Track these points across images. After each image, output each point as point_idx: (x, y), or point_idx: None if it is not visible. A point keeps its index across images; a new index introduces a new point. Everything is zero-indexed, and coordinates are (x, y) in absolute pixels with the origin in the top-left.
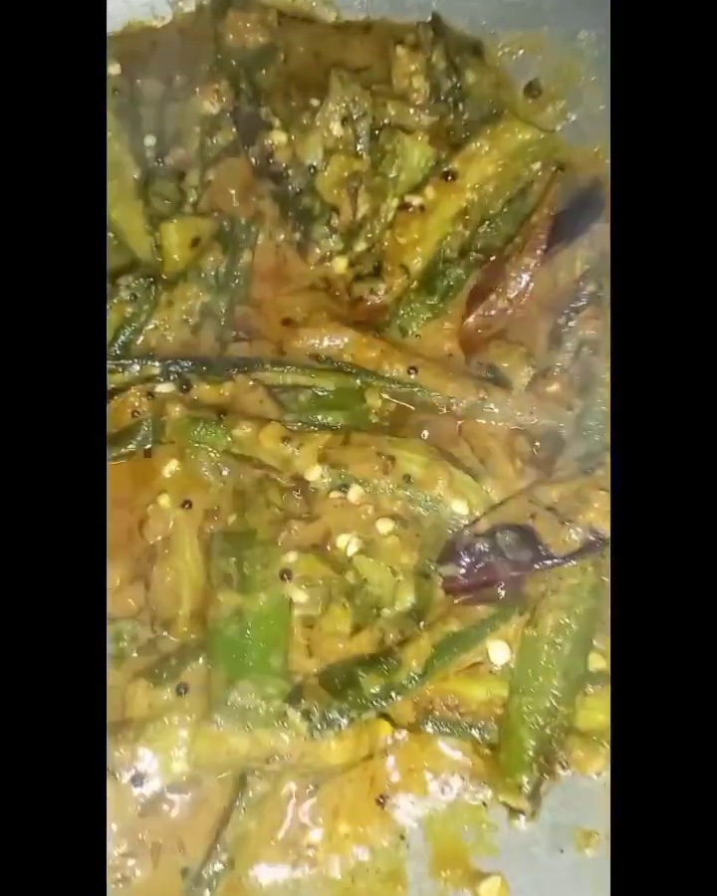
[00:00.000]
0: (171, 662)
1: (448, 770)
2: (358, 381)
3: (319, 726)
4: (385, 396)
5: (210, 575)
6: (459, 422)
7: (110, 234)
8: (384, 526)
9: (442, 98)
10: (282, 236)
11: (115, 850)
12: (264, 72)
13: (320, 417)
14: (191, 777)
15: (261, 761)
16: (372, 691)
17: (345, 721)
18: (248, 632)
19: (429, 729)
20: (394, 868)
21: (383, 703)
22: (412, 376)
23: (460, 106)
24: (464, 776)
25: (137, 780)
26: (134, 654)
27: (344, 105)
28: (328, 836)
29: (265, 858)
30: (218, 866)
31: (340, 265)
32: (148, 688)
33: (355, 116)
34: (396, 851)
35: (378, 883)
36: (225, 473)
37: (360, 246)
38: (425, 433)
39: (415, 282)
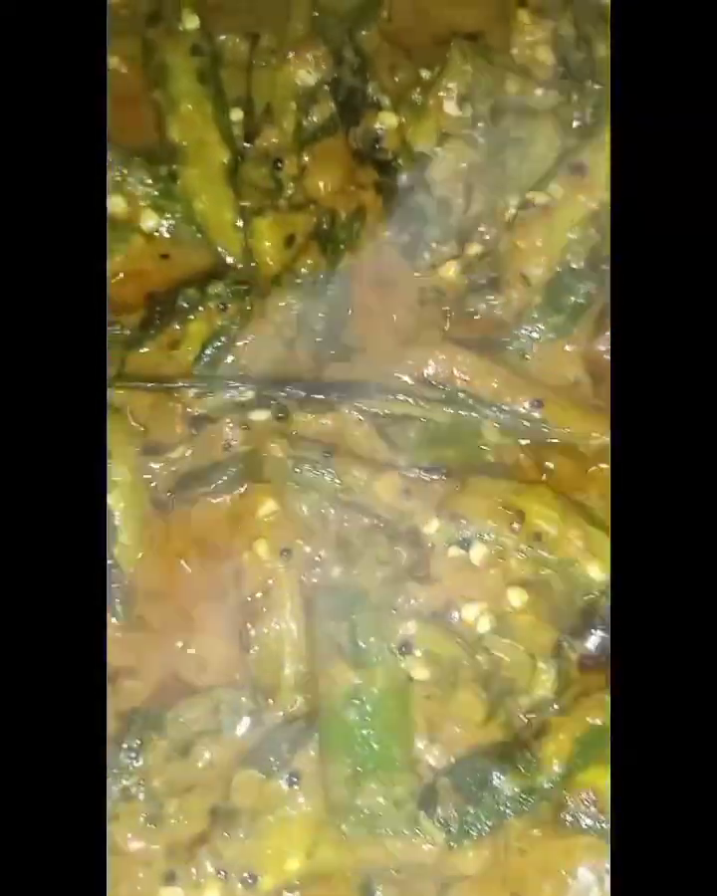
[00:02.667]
0: (281, 747)
1: (586, 867)
2: (475, 415)
3: (456, 837)
4: (504, 432)
5: (316, 639)
6: (591, 468)
7: (193, 228)
8: (516, 597)
9: (570, 74)
10: (387, 236)
11: None
12: (364, 33)
13: (431, 455)
14: (306, 880)
15: (389, 869)
16: (509, 795)
17: (482, 828)
18: (368, 718)
19: (566, 825)
20: None
21: (522, 807)
22: (536, 412)
23: (590, 84)
24: (602, 877)
25: (250, 878)
26: (237, 732)
27: (462, 79)
28: None
29: None
30: None
31: (450, 271)
32: (259, 780)
33: (474, 95)
34: None
35: None
36: (331, 518)
37: (475, 249)
38: (550, 477)
39: (538, 297)
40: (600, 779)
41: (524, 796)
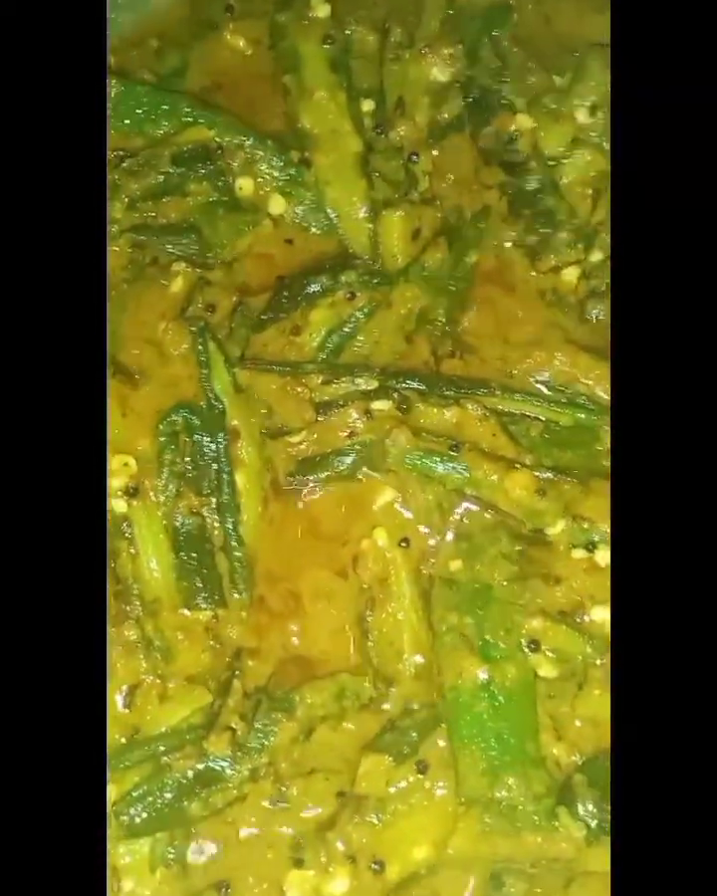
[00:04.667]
0: (409, 735)
1: None
2: (597, 419)
3: (595, 833)
4: None
5: (436, 631)
6: None
7: (322, 216)
8: None
9: None
10: (512, 236)
11: None
12: (495, 34)
13: (553, 457)
14: (435, 867)
15: (524, 863)
16: None
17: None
18: (499, 711)
19: None
20: None
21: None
22: None
23: None
24: None
25: (377, 864)
26: (349, 725)
27: (594, 87)
28: None
29: None
30: None
31: (571, 276)
32: (389, 767)
33: (606, 104)
34: None
35: None
36: (449, 512)
37: (596, 256)
38: None
39: None
40: None
41: None
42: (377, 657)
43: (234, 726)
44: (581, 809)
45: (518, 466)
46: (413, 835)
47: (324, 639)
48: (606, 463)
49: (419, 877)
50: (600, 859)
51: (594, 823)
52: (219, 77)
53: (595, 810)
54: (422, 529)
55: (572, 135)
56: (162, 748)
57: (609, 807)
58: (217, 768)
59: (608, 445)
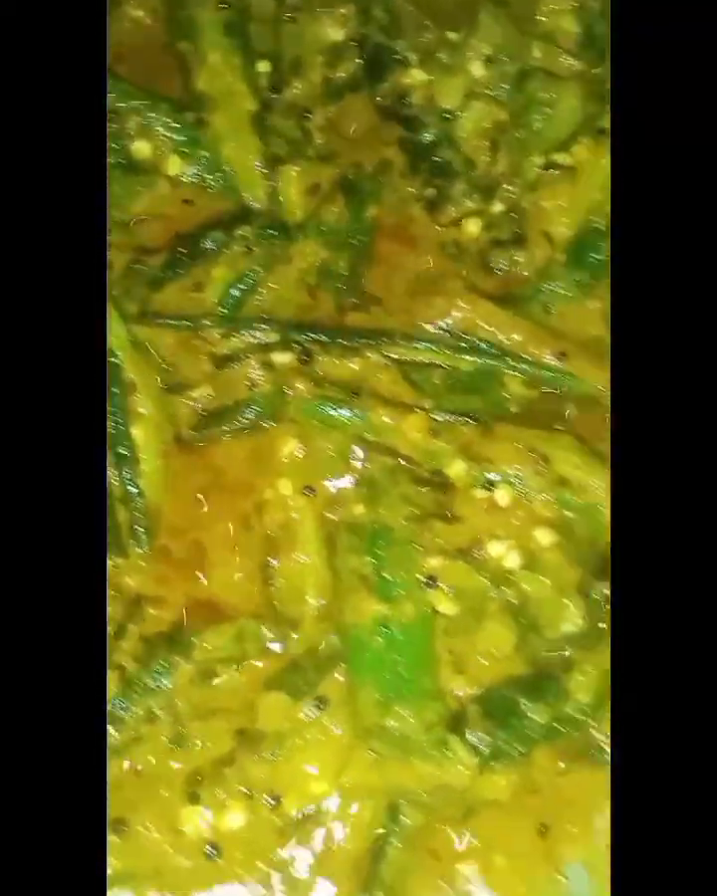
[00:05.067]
0: (308, 672)
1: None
2: (499, 365)
3: (486, 759)
4: (527, 382)
5: (339, 574)
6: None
7: (218, 174)
8: (545, 536)
9: (594, 42)
10: (410, 191)
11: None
12: None
13: (455, 402)
14: (333, 800)
15: (417, 792)
16: (538, 722)
17: (515, 753)
18: (395, 646)
19: (596, 758)
20: None
21: (550, 735)
22: (560, 361)
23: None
24: None
25: (274, 799)
26: (258, 662)
27: (489, 41)
28: (483, 870)
29: (417, 892)
30: None
31: (473, 227)
32: (287, 703)
33: (500, 57)
34: (555, 887)
35: None
36: (351, 461)
37: (498, 208)
38: (572, 427)
39: (561, 254)
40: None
41: (553, 725)
42: (280, 601)
43: (125, 664)
44: (471, 737)
45: (416, 409)
46: (310, 770)
47: (227, 586)
48: (512, 407)
49: (316, 811)
50: (495, 788)
51: (486, 751)
52: (119, 48)
53: (487, 738)
54: (326, 476)
55: (466, 89)
56: None
57: (504, 736)
58: (112, 708)
59: (513, 390)
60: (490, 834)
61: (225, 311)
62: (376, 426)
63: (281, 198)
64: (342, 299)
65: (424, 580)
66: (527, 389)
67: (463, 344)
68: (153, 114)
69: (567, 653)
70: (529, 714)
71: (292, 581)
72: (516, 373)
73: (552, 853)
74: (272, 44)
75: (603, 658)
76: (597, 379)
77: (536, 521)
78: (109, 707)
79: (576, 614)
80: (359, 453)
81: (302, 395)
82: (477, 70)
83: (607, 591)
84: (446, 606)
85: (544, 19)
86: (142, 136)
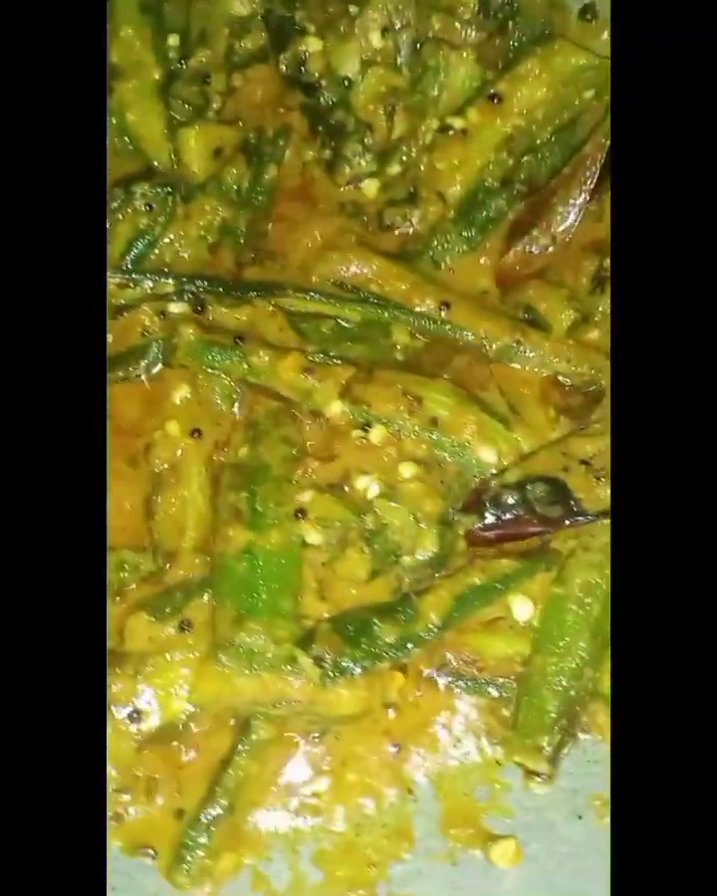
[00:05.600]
0: (175, 596)
1: (462, 726)
2: (385, 314)
3: (331, 673)
4: (413, 332)
5: (218, 509)
6: (491, 365)
7: (124, 138)
8: (408, 469)
9: (491, 14)
10: (310, 153)
11: (108, 786)
12: None
13: (342, 350)
14: (191, 716)
15: (267, 705)
16: (388, 641)
17: (357, 669)
18: (259, 571)
19: (444, 683)
20: (401, 824)
21: (398, 653)
22: (444, 313)
23: (510, 24)
24: (478, 733)
25: (135, 716)
26: (133, 586)
27: (385, 13)
28: (333, 786)
29: (266, 805)
30: (217, 810)
31: (371, 188)
32: (150, 622)
33: (397, 27)
34: (404, 806)
35: (384, 837)
36: (238, 403)
37: (394, 169)
38: (454, 375)
39: (452, 211)
40: (483, 642)
41: (402, 643)
42: (160, 535)
43: None
44: (316, 650)
45: (292, 351)
46: (172, 688)
47: (111, 519)
48: (398, 356)
49: (175, 727)
50: (343, 703)
51: (330, 666)
52: None
53: (332, 654)
54: (214, 418)
55: (360, 54)
56: None
57: (350, 652)
58: None
59: (397, 339)
60: (343, 752)
61: (126, 265)
62: (257, 368)
63: (183, 159)
64: (240, 255)
65: (295, 512)
66: (411, 339)
67: (351, 296)
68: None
69: (421, 577)
70: (379, 633)
71: (173, 517)
72: (404, 324)
73: (402, 772)
74: (183, 20)
75: (458, 584)
76: (480, 329)
77: (404, 457)
78: None
79: (432, 541)
80: (244, 396)
81: (189, 340)
82: (375, 40)
83: (472, 525)
84: (314, 537)
85: None
86: None
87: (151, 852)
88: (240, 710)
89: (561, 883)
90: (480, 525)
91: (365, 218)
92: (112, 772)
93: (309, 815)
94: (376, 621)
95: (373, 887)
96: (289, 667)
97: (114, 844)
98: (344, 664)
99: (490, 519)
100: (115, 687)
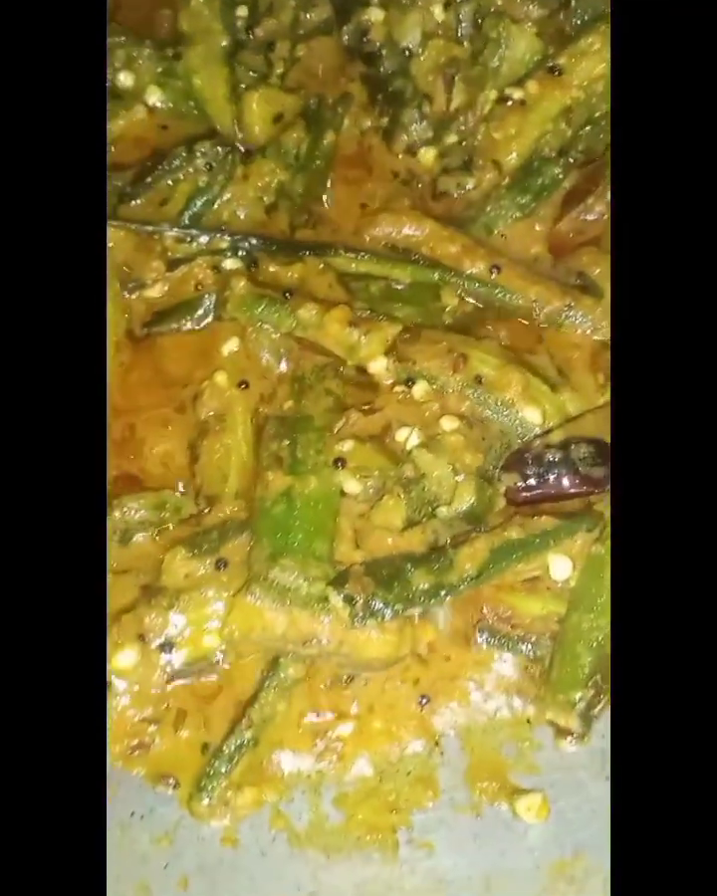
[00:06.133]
0: (213, 535)
1: (493, 682)
2: (435, 276)
3: (361, 613)
4: (462, 295)
5: (260, 457)
6: (541, 329)
7: (189, 102)
8: (449, 423)
9: None
10: (368, 123)
11: (137, 715)
12: None
13: (390, 310)
14: (221, 652)
15: (297, 643)
16: (421, 587)
17: (388, 612)
18: (295, 513)
19: (478, 638)
20: (426, 773)
21: (431, 600)
22: (494, 275)
23: (572, 2)
24: (510, 691)
25: (166, 647)
26: (171, 527)
27: None
28: (358, 731)
29: (290, 745)
30: (241, 742)
31: (427, 156)
32: (187, 557)
33: (458, 1)
34: (429, 757)
35: (407, 785)
36: (284, 359)
37: (451, 138)
38: (502, 337)
39: (507, 179)
40: (519, 599)
41: (435, 591)
42: (202, 479)
43: None
44: (348, 589)
45: (340, 305)
46: (204, 625)
47: (155, 463)
48: (446, 318)
49: (205, 663)
50: (371, 646)
51: (359, 604)
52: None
53: (364, 595)
54: (261, 372)
55: (421, 26)
56: None
57: (382, 594)
58: None
59: (446, 301)
60: (371, 699)
61: (185, 222)
62: (304, 321)
63: (245, 123)
64: (295, 218)
65: (334, 461)
66: (460, 303)
67: (403, 258)
68: (137, 50)
69: (457, 532)
70: (412, 579)
71: (216, 463)
72: (453, 286)
73: (429, 724)
74: None
75: (496, 537)
76: (529, 293)
77: (444, 412)
78: None
79: (469, 492)
80: (291, 351)
81: (239, 293)
82: (437, 12)
83: (513, 484)
84: (352, 486)
85: None
86: (127, 68)
87: (173, 782)
88: (269, 647)
89: (586, 841)
90: (521, 484)
91: (420, 185)
92: (140, 701)
93: (332, 758)
94: (410, 567)
95: (394, 833)
96: (320, 606)
97: (137, 772)
98: (374, 606)
99: (532, 479)
100: (148, 618)
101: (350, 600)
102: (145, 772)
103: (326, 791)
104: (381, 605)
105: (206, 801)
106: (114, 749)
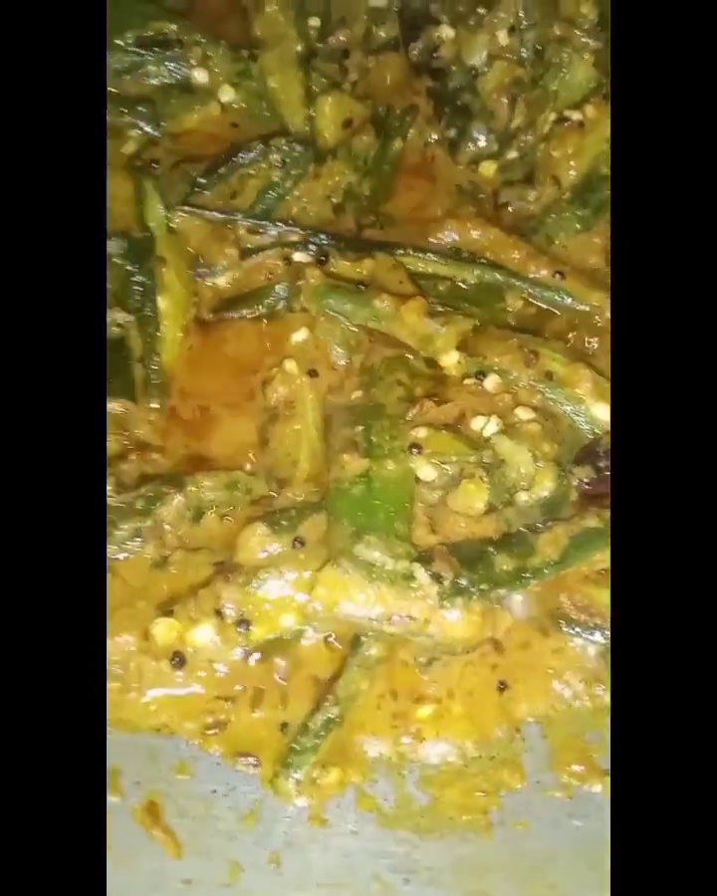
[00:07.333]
0: (291, 513)
1: (572, 670)
2: (500, 277)
3: (447, 591)
4: (526, 298)
5: (331, 443)
6: (601, 332)
7: (262, 103)
8: (525, 413)
9: (608, 26)
10: (433, 134)
11: (212, 692)
12: None
13: (457, 308)
14: (300, 630)
15: (381, 620)
16: (504, 569)
17: (475, 592)
18: (375, 493)
19: (558, 627)
20: (511, 757)
21: (516, 583)
22: (558, 280)
23: None
24: (588, 678)
25: (243, 623)
26: (240, 507)
27: (513, 13)
28: (439, 715)
29: (370, 726)
30: (326, 719)
31: (489, 169)
32: (265, 534)
33: (523, 26)
34: (511, 742)
35: (492, 768)
36: (353, 349)
37: (512, 154)
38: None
39: (567, 193)
40: (598, 590)
41: (519, 573)
42: (273, 463)
43: (124, 482)
44: (436, 567)
45: (417, 296)
46: (281, 602)
47: (226, 445)
48: (510, 320)
49: (283, 642)
50: (457, 626)
51: (447, 582)
52: (191, 2)
53: (448, 572)
54: (330, 362)
55: (488, 47)
56: None
57: (467, 574)
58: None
59: (511, 303)
60: (451, 683)
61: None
62: (379, 312)
63: (316, 125)
64: (362, 217)
65: (409, 446)
66: (524, 305)
67: (469, 259)
68: (213, 50)
69: (532, 520)
70: (495, 562)
71: (286, 447)
72: (518, 290)
73: (509, 710)
74: (324, 6)
75: (574, 526)
76: (591, 299)
77: (518, 403)
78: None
79: (550, 479)
80: (361, 341)
81: (313, 284)
82: (502, 37)
83: (585, 477)
84: (427, 472)
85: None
86: (203, 66)
87: (253, 760)
88: (352, 624)
89: None
90: (593, 477)
91: (481, 196)
92: (217, 678)
93: (413, 740)
94: (492, 550)
95: (486, 813)
96: (406, 583)
97: (215, 750)
98: (461, 584)
99: (605, 472)
100: (225, 593)
101: (437, 578)
102: (224, 750)
103: (409, 774)
104: (468, 584)
105: (293, 780)
106: (189, 726)
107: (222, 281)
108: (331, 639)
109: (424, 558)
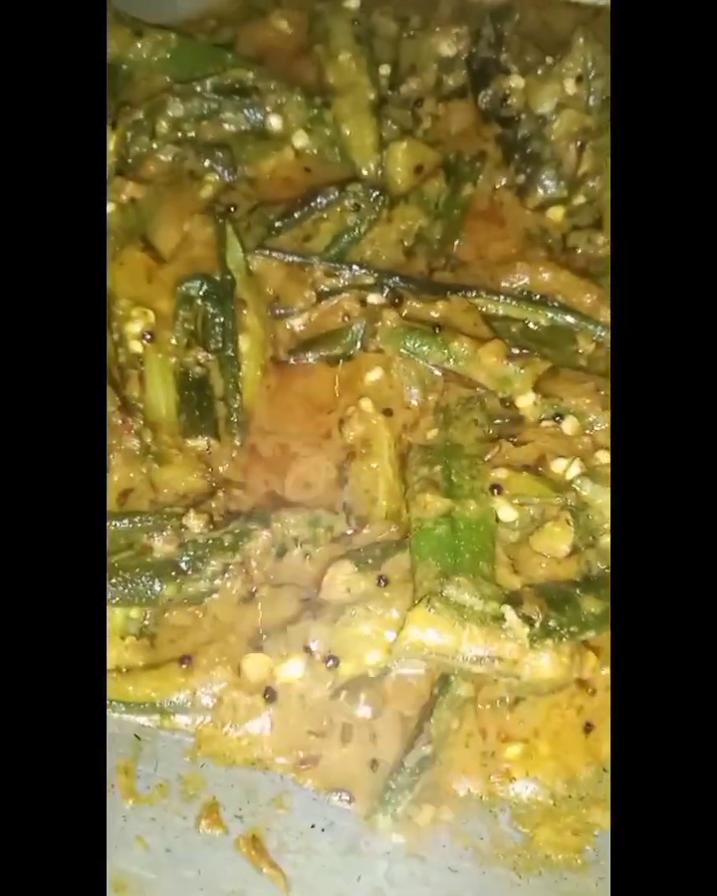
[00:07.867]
0: (375, 551)
1: None
2: (572, 320)
3: (537, 634)
4: (598, 341)
5: (409, 482)
6: None
7: (334, 148)
8: (606, 456)
9: None
10: (502, 179)
11: (303, 727)
12: (499, 26)
13: (531, 350)
14: (387, 668)
15: (470, 660)
16: (592, 611)
17: (564, 634)
18: (459, 534)
19: None
20: (600, 796)
21: (602, 626)
22: None
23: None
24: None
25: (331, 660)
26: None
27: (581, 63)
28: (526, 754)
29: (459, 765)
30: (422, 757)
31: (557, 214)
32: (352, 572)
33: (590, 76)
34: (600, 782)
35: (583, 807)
36: (428, 390)
37: (580, 199)
38: None
39: None
40: None
41: (605, 616)
42: (352, 501)
43: (213, 511)
44: (525, 609)
45: (494, 339)
46: (368, 639)
47: (305, 484)
48: (582, 362)
49: (370, 679)
50: (546, 668)
51: (537, 624)
52: (262, 48)
53: (540, 613)
54: (405, 401)
55: (558, 96)
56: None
57: (556, 616)
58: (191, 556)
59: (582, 346)
60: (537, 723)
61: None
62: (457, 353)
63: (389, 170)
64: (433, 261)
65: (490, 487)
66: (596, 348)
67: (541, 302)
68: (288, 97)
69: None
70: (583, 604)
71: (363, 485)
72: (589, 333)
73: (595, 751)
74: (393, 54)
75: None
76: None
77: (598, 446)
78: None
79: None
80: (437, 382)
81: (390, 326)
82: (570, 86)
83: None
84: (508, 514)
85: None
86: (277, 113)
87: (346, 796)
88: (439, 663)
89: None
90: None
91: (550, 240)
92: (306, 715)
93: (503, 779)
94: (579, 592)
95: (580, 853)
96: (495, 624)
97: (309, 785)
98: (551, 626)
99: None
100: (314, 630)
101: (528, 620)
102: (316, 784)
103: (500, 812)
104: (558, 626)
105: (390, 817)
106: (282, 761)
107: (298, 323)
108: (416, 677)
109: (513, 599)
